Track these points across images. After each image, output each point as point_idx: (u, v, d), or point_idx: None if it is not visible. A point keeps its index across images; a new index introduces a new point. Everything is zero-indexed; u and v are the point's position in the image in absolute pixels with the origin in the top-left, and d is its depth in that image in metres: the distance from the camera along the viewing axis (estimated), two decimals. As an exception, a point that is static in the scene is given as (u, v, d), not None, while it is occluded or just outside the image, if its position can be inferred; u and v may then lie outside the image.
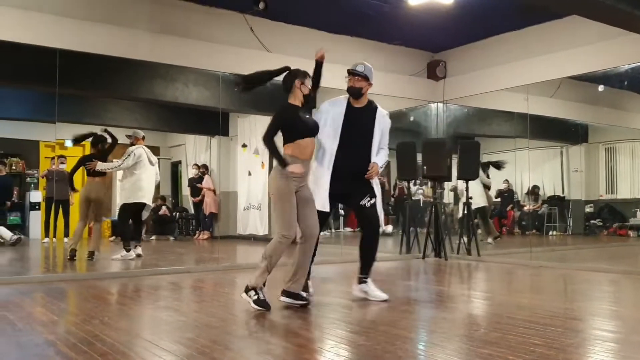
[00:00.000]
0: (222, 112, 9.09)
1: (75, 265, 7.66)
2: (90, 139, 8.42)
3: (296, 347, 3.25)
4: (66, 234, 10.76)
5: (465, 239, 8.64)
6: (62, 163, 11.07)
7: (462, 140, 9.22)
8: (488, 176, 10.76)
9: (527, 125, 9.11)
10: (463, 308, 4.72)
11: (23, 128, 11.45)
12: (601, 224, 12.53)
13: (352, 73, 4.93)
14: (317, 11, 7.80)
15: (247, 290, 4.43)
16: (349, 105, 4.96)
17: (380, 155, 5.01)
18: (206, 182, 12.56)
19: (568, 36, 7.77)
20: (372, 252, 4.84)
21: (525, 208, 12.99)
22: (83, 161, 8.29)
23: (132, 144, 8.30)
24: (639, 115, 11.55)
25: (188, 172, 13.17)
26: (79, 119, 10.08)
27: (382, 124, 5.08)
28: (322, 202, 4.73)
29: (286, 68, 4.77)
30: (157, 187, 9.01)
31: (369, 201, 4.79)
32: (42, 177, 11.57)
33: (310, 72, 4.82)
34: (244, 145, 12.55)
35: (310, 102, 4.82)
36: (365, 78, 4.95)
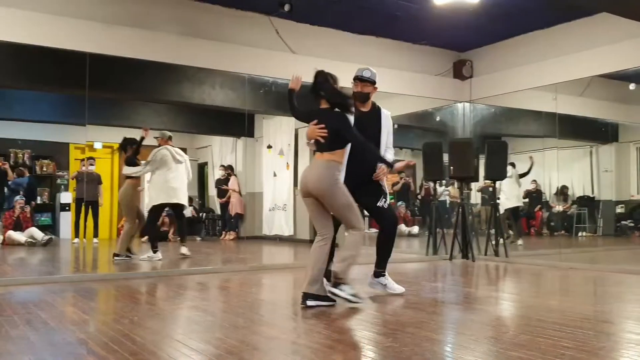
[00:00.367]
0: (247, 113, 9.14)
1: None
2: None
3: (323, 348, 3.26)
4: (95, 235, 10.92)
5: (498, 240, 8.57)
6: (92, 165, 11.25)
7: (490, 140, 9.14)
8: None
9: (555, 124, 9.00)
10: (491, 310, 4.68)
11: (54, 130, 11.67)
12: (633, 224, 12.32)
13: (360, 79, 5.05)
14: (342, 12, 7.80)
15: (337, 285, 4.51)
16: (355, 109, 4.95)
17: (387, 155, 5.07)
18: (232, 183, 12.63)
19: (597, 34, 7.66)
20: (390, 247, 5.06)
21: (555, 209, 12.83)
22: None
23: (158, 145, 8.36)
24: (670, 113, 11.34)
25: (214, 174, 13.27)
26: (109, 121, 10.24)
27: (387, 125, 5.17)
28: None
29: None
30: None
31: (385, 202, 4.97)
32: (72, 179, 11.75)
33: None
34: (269, 147, 12.59)
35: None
36: (372, 83, 5.08)
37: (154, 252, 7.94)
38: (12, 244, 10.35)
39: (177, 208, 8.44)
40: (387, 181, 5.37)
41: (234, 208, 12.51)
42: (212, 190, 13.49)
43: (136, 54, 6.93)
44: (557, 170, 11.70)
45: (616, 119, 11.87)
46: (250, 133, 12.64)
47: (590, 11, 7.51)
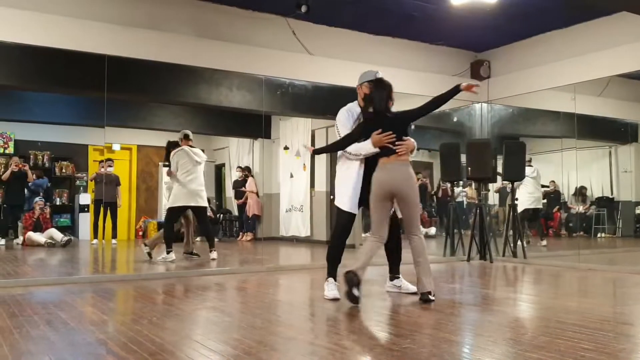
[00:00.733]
0: (264, 115, 9.16)
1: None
2: None
3: (341, 349, 3.26)
4: (114, 236, 11.02)
5: (516, 241, 8.51)
6: (110, 166, 11.35)
7: (507, 140, 9.09)
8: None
9: (574, 124, 8.93)
10: (509, 311, 4.66)
11: (73, 132, 11.78)
12: (652, 225, 12.17)
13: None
14: (358, 13, 7.80)
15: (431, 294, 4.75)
16: (364, 111, 5.10)
17: None
18: (249, 185, 12.67)
19: (617, 33, 7.58)
20: (400, 251, 5.30)
21: (573, 210, 12.72)
22: None
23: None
24: (692, 113, 11.20)
25: (232, 175, 13.32)
26: (127, 123, 10.33)
27: None
28: (353, 205, 4.98)
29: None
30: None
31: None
32: (91, 180, 11.86)
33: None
34: (286, 148, 12.62)
35: None
36: None
37: (168, 252, 7.98)
38: (32, 244, 10.47)
39: (198, 211, 8.36)
40: None
41: (252, 209, 12.56)
42: (229, 192, 13.55)
43: (154, 56, 6.98)
44: (576, 170, 11.59)
45: (636, 119, 11.73)
46: (267, 134, 12.68)
47: (609, 10, 7.44)
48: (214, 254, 8.18)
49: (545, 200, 12.53)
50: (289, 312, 4.78)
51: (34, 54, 6.77)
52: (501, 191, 10.40)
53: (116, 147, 12.45)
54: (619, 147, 12.73)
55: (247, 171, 12.84)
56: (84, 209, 11.87)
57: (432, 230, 12.91)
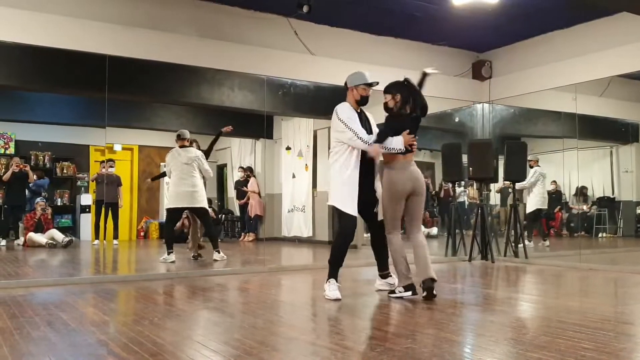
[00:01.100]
0: (266, 115, 9.17)
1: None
2: None
3: (343, 349, 3.26)
4: (115, 236, 11.01)
5: (517, 241, 8.51)
6: (111, 167, 11.35)
7: (509, 140, 9.08)
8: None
9: (575, 125, 8.92)
10: (511, 311, 4.65)
11: (74, 133, 11.77)
12: (654, 225, 12.15)
13: (371, 85, 5.26)
14: (360, 13, 7.80)
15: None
16: (360, 111, 5.26)
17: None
18: (251, 185, 12.67)
19: (617, 34, 7.58)
20: (387, 249, 5.31)
21: (576, 210, 12.70)
22: None
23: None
24: (693, 113, 11.18)
25: (234, 175, 13.32)
26: (128, 123, 10.31)
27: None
28: (353, 207, 5.03)
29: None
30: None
31: (377, 207, 5.25)
32: (92, 181, 11.85)
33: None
34: (288, 148, 12.62)
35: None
36: None
37: (168, 253, 7.95)
38: (33, 245, 10.47)
39: (196, 212, 8.34)
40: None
41: (254, 209, 12.55)
42: (231, 192, 13.54)
43: (155, 56, 6.98)
44: (578, 170, 11.58)
45: (637, 119, 11.72)
46: (269, 134, 12.67)
47: (610, 10, 7.44)
48: (216, 255, 8.16)
49: (545, 197, 12.53)
50: (290, 312, 4.78)
51: (35, 54, 6.77)
52: (502, 191, 10.40)
53: (117, 147, 12.44)
54: (620, 147, 12.71)
55: (249, 171, 12.84)
56: (85, 209, 11.88)
57: (434, 231, 12.90)
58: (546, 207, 10.79)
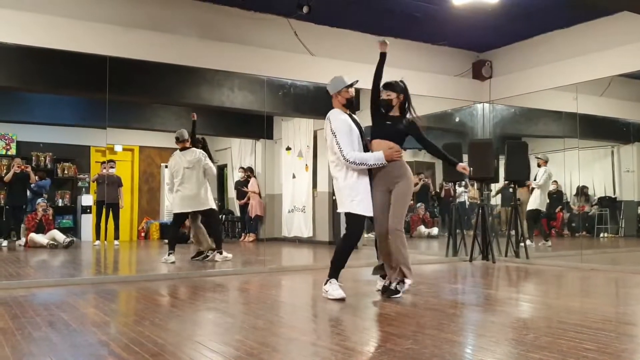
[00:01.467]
0: (266, 115, 9.17)
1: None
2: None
3: (343, 350, 3.26)
4: (116, 237, 11.01)
5: (518, 241, 8.50)
6: (112, 167, 11.35)
7: (510, 140, 9.08)
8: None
9: (576, 124, 8.92)
10: (512, 312, 4.65)
11: (75, 133, 11.79)
12: (655, 225, 12.14)
13: (352, 85, 5.22)
14: (360, 14, 7.80)
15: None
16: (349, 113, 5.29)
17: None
18: (252, 185, 12.67)
19: (618, 33, 7.57)
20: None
21: (575, 209, 12.69)
22: None
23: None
24: (694, 112, 11.17)
25: (234, 176, 13.32)
26: (129, 124, 10.32)
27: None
28: (369, 207, 5.05)
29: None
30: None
31: None
32: (93, 181, 11.86)
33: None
34: (288, 148, 12.62)
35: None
36: None
37: (169, 254, 7.94)
38: (35, 246, 10.47)
39: (203, 213, 8.29)
40: None
41: (254, 210, 12.55)
42: (231, 192, 13.55)
43: (156, 57, 6.98)
44: (579, 170, 11.57)
45: (638, 119, 11.71)
46: (269, 135, 12.68)
47: (610, 10, 7.44)
48: (218, 256, 8.14)
49: (547, 201, 12.52)
50: (291, 313, 4.79)
51: (36, 55, 6.78)
52: (503, 191, 10.39)
53: (118, 148, 12.45)
54: (622, 146, 12.70)
55: (249, 172, 12.84)
56: (86, 210, 11.88)
57: (435, 231, 12.89)
58: (544, 208, 10.77)
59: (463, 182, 11.10)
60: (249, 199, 12.61)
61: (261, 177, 12.92)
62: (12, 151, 12.18)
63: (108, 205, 11.00)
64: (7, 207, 11.22)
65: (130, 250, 11.02)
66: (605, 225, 12.51)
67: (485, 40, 9.04)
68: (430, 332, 3.68)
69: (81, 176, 12.60)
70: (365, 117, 5.44)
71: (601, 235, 12.45)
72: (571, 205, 12.91)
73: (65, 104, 10.03)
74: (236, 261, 8.50)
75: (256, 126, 10.82)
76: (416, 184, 12.82)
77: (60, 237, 10.58)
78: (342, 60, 8.07)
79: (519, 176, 8.68)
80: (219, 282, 6.38)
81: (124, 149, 12.63)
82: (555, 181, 12.30)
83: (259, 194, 12.72)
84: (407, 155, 12.92)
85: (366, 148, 5.13)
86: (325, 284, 5.05)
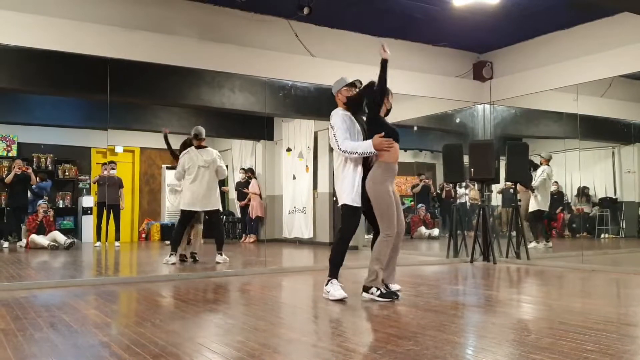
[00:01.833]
0: (267, 116, 9.17)
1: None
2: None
3: (344, 351, 3.26)
4: (117, 238, 11.02)
5: (519, 242, 8.51)
6: (113, 169, 11.36)
7: (510, 141, 9.08)
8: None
9: (577, 125, 8.92)
10: (513, 313, 4.65)
11: (76, 135, 11.81)
12: (656, 225, 12.13)
13: (353, 85, 5.28)
14: (361, 15, 7.80)
15: (366, 290, 4.97)
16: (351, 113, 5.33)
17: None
18: (253, 187, 12.67)
19: (619, 34, 7.58)
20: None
21: (574, 210, 12.69)
22: None
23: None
24: (695, 113, 11.17)
25: (234, 177, 13.33)
26: (130, 125, 10.34)
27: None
28: (357, 198, 5.10)
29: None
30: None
31: None
32: (94, 183, 11.87)
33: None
34: (289, 150, 12.63)
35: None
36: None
37: (170, 255, 7.91)
38: (36, 247, 10.47)
39: (210, 214, 8.25)
40: (407, 183, 5.60)
41: (255, 211, 12.55)
42: (232, 193, 13.56)
43: (157, 58, 6.99)
44: (579, 171, 11.57)
45: (639, 120, 11.71)
46: (269, 136, 12.69)
47: (611, 11, 7.44)
48: (219, 258, 8.11)
49: (549, 201, 12.51)
50: (292, 314, 4.79)
51: (37, 57, 6.79)
52: (504, 192, 10.39)
53: (119, 149, 12.47)
54: (622, 147, 12.69)
55: (250, 173, 12.85)
56: (87, 211, 11.89)
57: (435, 232, 12.89)
58: (547, 209, 10.77)
59: (464, 183, 11.11)
60: (249, 200, 12.62)
61: (262, 178, 12.93)
62: (13, 153, 12.19)
63: (109, 206, 11.01)
64: (8, 208, 11.23)
65: (131, 251, 11.02)
66: (606, 226, 12.50)
67: (486, 41, 9.04)
68: (432, 333, 3.68)
69: (82, 177, 12.61)
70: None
71: (602, 236, 12.45)
72: (572, 206, 12.91)
73: (66, 106, 10.05)
74: (237, 262, 8.51)
75: (257, 127, 10.83)
76: (417, 185, 12.84)
77: (61, 238, 10.58)
78: (342, 61, 8.08)
79: (520, 177, 8.67)
80: (219, 283, 6.38)
81: (124, 151, 12.65)
82: (555, 182, 12.29)
83: (260, 195, 12.73)
84: (407, 156, 13.03)
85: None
86: (327, 284, 5.07)
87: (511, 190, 9.15)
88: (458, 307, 4.81)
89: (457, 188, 9.74)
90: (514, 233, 8.69)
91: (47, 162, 12.33)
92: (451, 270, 7.63)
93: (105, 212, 10.99)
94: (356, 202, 5.04)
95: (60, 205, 12.30)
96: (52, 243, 10.47)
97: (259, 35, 7.64)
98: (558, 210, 12.82)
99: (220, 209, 8.45)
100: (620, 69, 7.76)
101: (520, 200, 8.80)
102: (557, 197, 12.65)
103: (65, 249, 10.39)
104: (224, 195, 13.86)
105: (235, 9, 7.43)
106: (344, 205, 5.09)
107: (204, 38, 7.30)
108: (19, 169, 10.98)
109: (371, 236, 5.18)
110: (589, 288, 6.27)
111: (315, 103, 8.95)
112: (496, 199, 10.52)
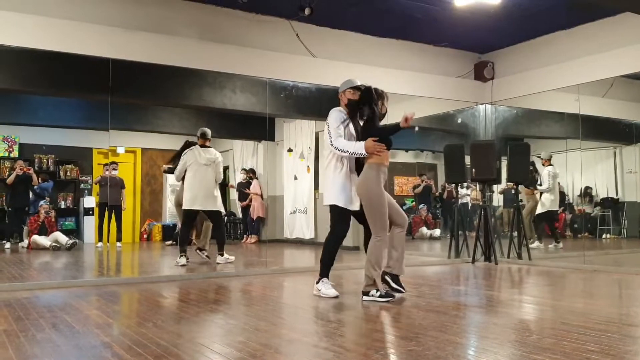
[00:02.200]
0: (268, 117, 9.17)
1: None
2: None
3: (345, 352, 3.26)
4: (119, 239, 11.03)
5: (521, 242, 8.50)
6: (114, 169, 11.37)
7: (512, 142, 9.08)
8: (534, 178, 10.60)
9: (578, 125, 8.91)
10: (515, 313, 4.65)
11: (77, 136, 11.82)
12: (658, 226, 12.12)
13: (358, 89, 5.29)
14: (362, 15, 7.80)
15: (366, 294, 4.95)
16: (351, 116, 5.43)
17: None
18: (254, 187, 12.67)
19: (620, 34, 7.57)
20: None
21: (576, 210, 12.68)
22: None
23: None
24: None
25: (236, 177, 13.33)
26: (131, 126, 10.35)
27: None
28: (353, 202, 5.21)
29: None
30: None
31: None
32: (96, 183, 11.89)
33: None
34: (290, 150, 12.63)
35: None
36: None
37: (180, 256, 7.90)
38: (37, 248, 10.48)
39: (210, 215, 8.25)
40: (409, 184, 5.66)
41: (256, 211, 12.55)
42: (233, 194, 13.56)
43: (158, 59, 6.99)
44: (581, 171, 11.56)
45: (640, 120, 11.72)
46: (271, 137, 12.68)
47: (612, 11, 7.44)
48: (220, 259, 8.11)
49: (558, 198, 12.49)
50: (293, 314, 4.79)
51: (38, 58, 6.79)
52: (505, 192, 10.39)
53: (120, 150, 12.48)
54: (624, 147, 12.68)
55: (251, 173, 12.85)
56: (88, 212, 11.90)
57: (437, 232, 12.88)
58: (557, 208, 10.78)
59: (465, 184, 11.10)
60: (251, 200, 12.62)
61: (263, 178, 12.93)
62: (15, 153, 12.21)
63: (110, 207, 11.01)
64: (9, 209, 11.24)
65: (132, 252, 11.03)
66: (607, 227, 12.49)
67: (487, 42, 9.04)
68: (433, 334, 3.68)
69: (83, 178, 12.62)
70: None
71: (604, 236, 12.43)
72: (574, 206, 12.90)
73: (68, 106, 10.06)
74: (238, 263, 8.51)
75: (258, 128, 10.83)
76: (418, 186, 12.83)
77: (62, 239, 10.60)
78: (343, 61, 8.08)
79: (522, 177, 8.67)
80: (221, 283, 6.39)
81: (126, 151, 12.67)
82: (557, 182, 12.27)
83: (261, 196, 12.73)
84: (409, 156, 13.03)
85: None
86: (317, 282, 5.21)
87: (512, 191, 9.15)
88: (460, 308, 4.81)
89: (459, 188, 9.74)
90: (515, 233, 8.68)
91: (49, 163, 12.35)
92: (453, 271, 7.63)
93: (106, 212, 11.00)
94: (347, 204, 5.15)
95: (62, 206, 12.32)
96: (54, 244, 10.48)
97: (260, 35, 7.64)
98: (560, 211, 12.82)
99: (223, 211, 8.43)
100: (621, 69, 7.75)
101: (522, 202, 8.79)
102: (559, 197, 12.64)
103: (67, 249, 10.40)
104: (225, 195, 13.90)
105: (236, 10, 7.44)
106: (334, 206, 5.19)
107: (205, 38, 7.31)
108: (20, 169, 10.99)
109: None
110: (590, 288, 6.26)
111: (316, 103, 8.95)
112: (498, 200, 10.51)
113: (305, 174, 12.20)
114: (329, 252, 5.24)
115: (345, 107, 5.31)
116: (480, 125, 9.47)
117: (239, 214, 13.27)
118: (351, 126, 5.22)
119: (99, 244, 11.13)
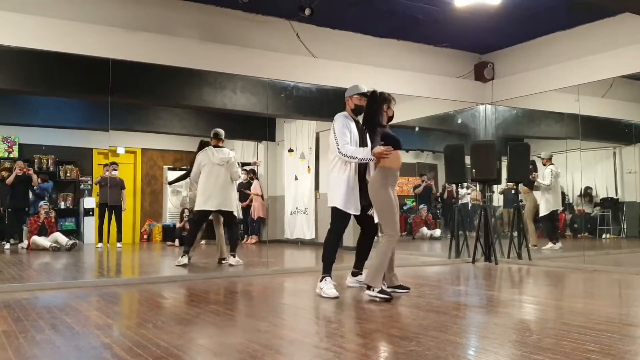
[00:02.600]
0: (269, 117, 9.17)
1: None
2: None
3: (346, 352, 3.26)
4: (119, 239, 11.03)
5: (521, 242, 8.50)
6: (115, 170, 11.36)
7: (512, 142, 9.08)
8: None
9: (578, 126, 8.92)
10: (515, 313, 4.65)
11: (77, 136, 11.82)
12: (658, 226, 12.12)
13: (365, 95, 5.38)
14: (362, 16, 7.80)
15: (369, 287, 5.04)
16: (356, 121, 5.54)
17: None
18: (254, 188, 12.67)
19: (620, 34, 7.57)
20: (369, 251, 5.78)
21: (575, 210, 12.68)
22: None
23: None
24: (696, 113, 11.16)
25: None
26: (131, 126, 10.35)
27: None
28: (356, 207, 5.38)
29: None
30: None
31: (373, 212, 5.45)
32: (96, 184, 11.88)
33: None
34: (290, 150, 12.63)
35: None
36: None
37: (183, 255, 7.89)
38: (37, 248, 10.48)
39: (225, 215, 8.20)
40: (409, 184, 5.77)
41: (256, 212, 12.55)
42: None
43: (158, 59, 6.99)
44: (581, 171, 11.56)
45: (639, 120, 11.71)
46: (271, 137, 12.68)
47: (612, 11, 7.44)
48: (232, 260, 8.07)
49: (560, 198, 12.50)
50: (294, 315, 4.78)
51: (38, 58, 6.79)
52: (505, 193, 10.39)
53: (120, 150, 12.48)
54: (624, 148, 12.68)
55: (252, 174, 12.84)
56: (88, 212, 11.90)
57: (437, 232, 12.88)
58: (560, 207, 10.77)
59: (465, 184, 11.10)
60: (251, 201, 12.62)
61: (263, 179, 12.93)
62: (15, 154, 12.20)
63: (110, 207, 11.01)
64: (9, 209, 11.23)
65: (132, 252, 11.03)
66: (607, 227, 12.49)
67: (487, 42, 9.04)
68: (433, 334, 3.68)
69: (83, 179, 12.62)
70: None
71: (603, 236, 12.43)
72: (574, 206, 12.90)
73: (68, 107, 10.05)
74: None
75: (258, 128, 10.83)
76: (419, 186, 12.83)
77: (62, 239, 10.59)
78: (344, 62, 8.08)
79: (522, 178, 8.67)
80: (221, 284, 6.38)
81: (126, 152, 12.66)
82: (557, 181, 12.26)
83: (262, 196, 12.73)
84: (409, 157, 13.02)
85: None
86: (320, 281, 5.29)
87: (512, 191, 9.15)
88: (460, 308, 4.81)
89: (459, 188, 9.73)
90: (515, 233, 8.69)
91: (49, 163, 12.34)
92: (453, 271, 7.62)
93: (106, 213, 11.00)
94: (346, 207, 5.31)
95: (62, 207, 12.32)
96: (54, 244, 10.48)
97: (261, 36, 7.64)
98: (559, 211, 12.81)
99: (235, 212, 8.38)
100: (621, 69, 7.75)
101: (522, 201, 8.79)
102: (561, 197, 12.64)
103: (67, 250, 10.40)
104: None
105: (236, 10, 7.43)
106: (335, 208, 5.37)
107: (206, 39, 7.31)
108: (20, 170, 10.98)
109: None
110: (590, 288, 6.26)
111: (316, 104, 8.95)
112: (498, 200, 10.51)
113: (305, 174, 12.19)
114: (329, 249, 5.41)
115: (351, 112, 5.42)
116: (480, 126, 9.47)
117: (240, 215, 13.25)
118: (356, 131, 5.33)
119: (99, 244, 11.13)
